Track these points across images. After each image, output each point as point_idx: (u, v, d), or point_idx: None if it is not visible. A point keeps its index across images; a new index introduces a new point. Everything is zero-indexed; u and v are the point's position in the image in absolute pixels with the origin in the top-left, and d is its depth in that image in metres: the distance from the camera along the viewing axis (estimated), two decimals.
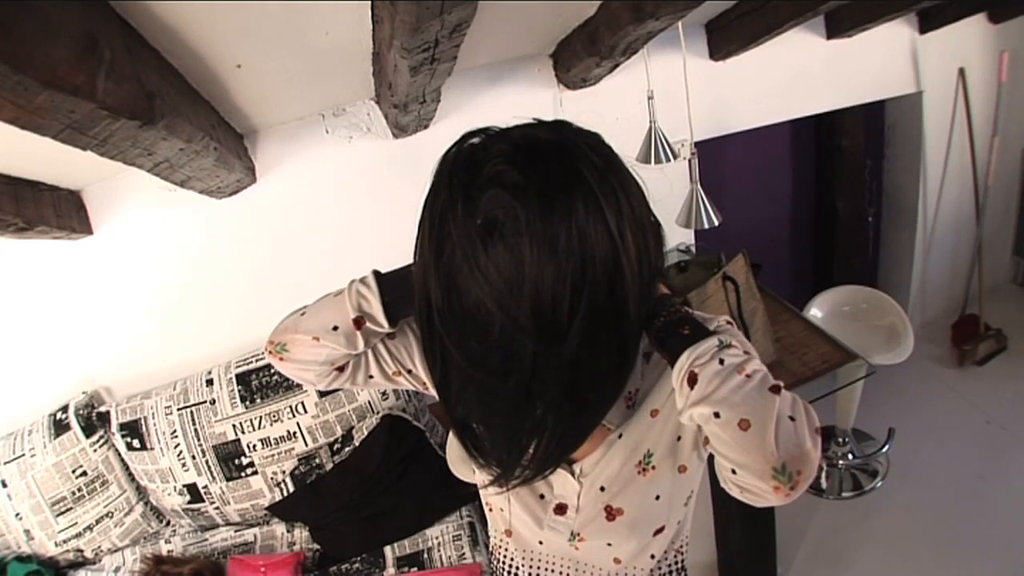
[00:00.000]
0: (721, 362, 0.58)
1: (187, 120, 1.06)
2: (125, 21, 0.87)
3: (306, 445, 1.77)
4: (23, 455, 1.71)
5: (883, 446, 1.86)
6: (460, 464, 1.68)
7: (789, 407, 0.57)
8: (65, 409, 1.77)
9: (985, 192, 2.59)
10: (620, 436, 0.72)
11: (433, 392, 0.79)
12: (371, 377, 0.78)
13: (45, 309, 1.78)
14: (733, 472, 0.57)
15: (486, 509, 0.88)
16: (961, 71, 2.40)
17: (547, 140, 0.56)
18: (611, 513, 0.74)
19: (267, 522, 1.87)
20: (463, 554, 1.66)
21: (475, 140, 0.58)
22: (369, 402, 1.79)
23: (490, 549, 0.93)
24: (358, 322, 0.71)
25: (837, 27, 2.09)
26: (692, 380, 0.59)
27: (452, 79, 1.35)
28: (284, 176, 1.79)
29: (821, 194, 2.82)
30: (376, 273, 0.74)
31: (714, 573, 1.95)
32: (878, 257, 2.95)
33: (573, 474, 0.75)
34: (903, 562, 1.95)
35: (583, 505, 0.75)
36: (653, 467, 0.72)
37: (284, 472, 1.78)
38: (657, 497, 0.74)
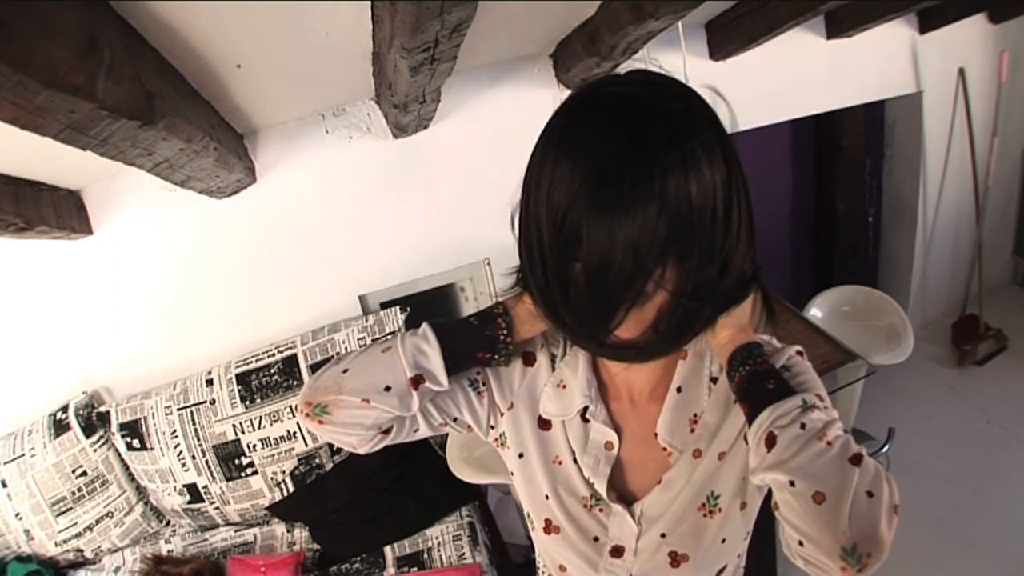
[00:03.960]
0: (803, 426, 0.55)
1: (187, 120, 1.06)
2: (125, 21, 0.87)
3: (306, 445, 1.77)
4: (23, 455, 1.71)
5: (883, 446, 1.86)
6: (460, 464, 1.68)
7: (869, 481, 0.53)
8: (65, 409, 1.77)
9: (985, 192, 2.59)
10: (686, 482, 0.69)
11: (478, 431, 0.76)
12: (416, 431, 0.73)
13: (45, 309, 1.78)
14: (800, 544, 0.55)
15: (538, 547, 0.84)
16: (961, 71, 2.40)
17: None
18: (676, 560, 0.70)
19: (267, 522, 1.87)
20: (463, 554, 1.66)
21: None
22: None
23: None
24: (415, 381, 0.66)
25: (837, 27, 2.10)
26: (770, 441, 0.56)
27: (452, 79, 1.35)
28: (284, 176, 1.79)
29: (821, 194, 2.82)
30: (431, 325, 0.69)
31: None
32: (878, 257, 2.95)
33: (633, 515, 0.71)
34: (903, 562, 1.94)
35: (642, 548, 0.71)
36: (720, 509, 0.69)
37: (284, 472, 1.78)
38: (723, 540, 0.70)
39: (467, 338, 0.68)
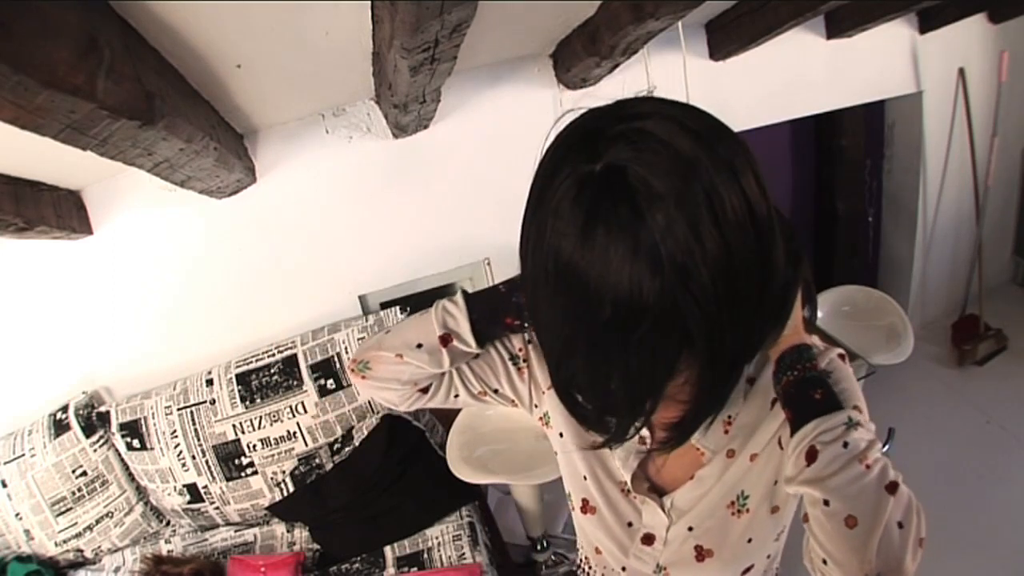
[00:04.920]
0: (845, 445, 0.55)
1: (187, 120, 1.06)
2: (125, 21, 0.87)
3: (306, 445, 1.77)
4: (23, 455, 1.71)
5: (883, 446, 1.87)
6: (460, 464, 1.68)
7: (902, 511, 0.53)
8: (65, 409, 1.77)
9: (985, 192, 2.59)
10: (716, 480, 0.70)
11: (523, 407, 0.79)
12: (456, 396, 0.78)
13: (45, 309, 1.78)
14: (824, 562, 0.55)
15: (576, 525, 0.86)
16: (961, 71, 2.40)
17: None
18: (701, 554, 0.72)
19: (267, 522, 1.87)
20: (463, 554, 1.66)
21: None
22: (369, 402, 1.79)
23: (577, 562, 0.92)
24: (444, 339, 0.71)
25: (837, 27, 2.09)
26: (811, 455, 0.55)
27: (452, 79, 1.35)
28: (284, 176, 1.80)
29: (821, 194, 2.82)
30: (464, 293, 0.73)
31: None
32: (878, 257, 2.95)
33: (663, 508, 0.72)
34: None
35: (671, 539, 0.73)
36: (748, 510, 0.70)
37: (284, 472, 1.78)
38: (750, 540, 0.71)
39: (495, 304, 0.72)
